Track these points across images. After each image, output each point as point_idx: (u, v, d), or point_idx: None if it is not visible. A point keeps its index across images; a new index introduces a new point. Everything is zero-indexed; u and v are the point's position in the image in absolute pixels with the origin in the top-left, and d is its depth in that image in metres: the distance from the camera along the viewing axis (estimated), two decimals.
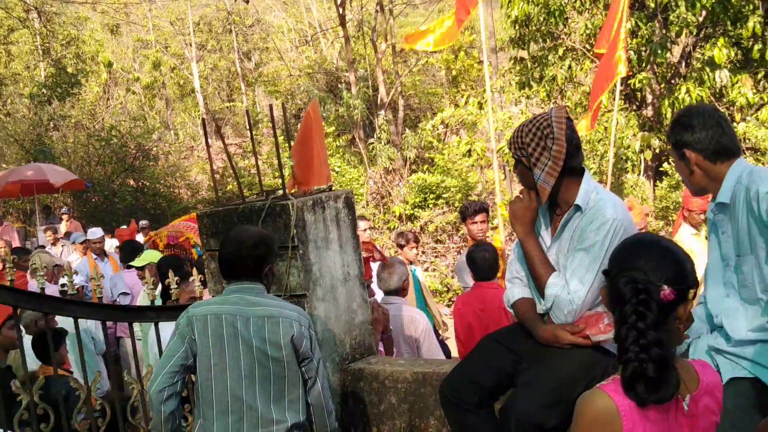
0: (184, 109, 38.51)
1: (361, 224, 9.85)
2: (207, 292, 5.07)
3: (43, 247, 13.71)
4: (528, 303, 3.68)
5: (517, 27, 16.27)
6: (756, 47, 13.67)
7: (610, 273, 2.39)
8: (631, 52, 13.85)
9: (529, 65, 16.75)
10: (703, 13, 14.10)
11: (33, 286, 7.56)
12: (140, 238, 13.61)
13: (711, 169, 3.44)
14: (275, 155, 4.91)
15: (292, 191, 4.80)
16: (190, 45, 36.35)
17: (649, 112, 15.57)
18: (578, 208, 3.47)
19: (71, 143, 25.86)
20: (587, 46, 16.09)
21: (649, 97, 15.54)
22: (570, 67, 15.98)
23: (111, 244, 13.71)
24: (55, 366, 4.46)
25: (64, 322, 5.59)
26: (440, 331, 7.88)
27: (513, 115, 16.95)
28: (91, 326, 7.53)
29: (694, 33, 14.94)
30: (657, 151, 15.35)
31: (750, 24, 13.25)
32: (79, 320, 4.43)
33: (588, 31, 15.72)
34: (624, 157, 15.33)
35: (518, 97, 17.23)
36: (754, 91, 14.09)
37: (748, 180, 3.29)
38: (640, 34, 14.38)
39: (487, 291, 6.19)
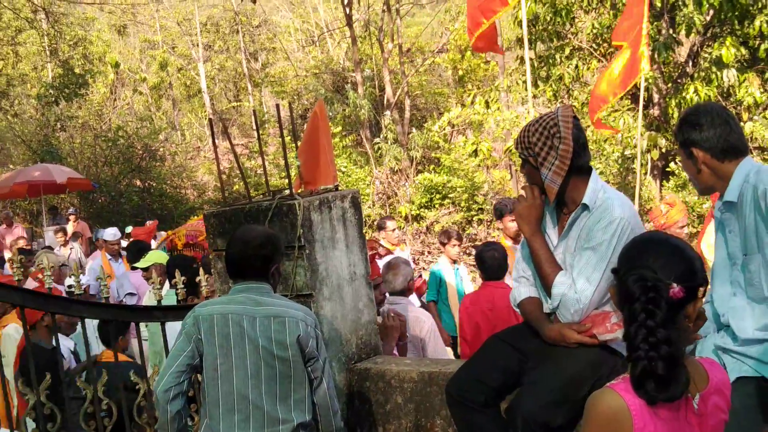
0: (190, 110, 38.55)
1: (389, 224, 9.92)
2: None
3: (50, 247, 13.73)
4: (535, 302, 3.68)
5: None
6: (762, 46, 13.62)
7: (619, 271, 2.38)
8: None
9: (535, 65, 16.73)
10: (711, 12, 14.07)
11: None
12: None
13: (719, 168, 3.43)
14: (282, 155, 4.91)
15: (299, 191, 4.81)
16: (197, 45, 36.42)
17: (655, 111, 15.53)
18: (585, 207, 3.46)
19: (78, 144, 25.91)
20: (594, 45, 16.07)
21: (656, 97, 15.49)
22: (577, 66, 15.95)
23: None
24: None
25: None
26: None
27: (520, 114, 16.92)
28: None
29: (702, 32, 14.90)
30: (663, 150, 15.31)
31: (757, 23, 13.21)
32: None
33: (595, 31, 15.69)
34: (631, 157, 15.30)
35: (525, 96, 17.19)
36: (762, 90, 14.04)
37: (755, 179, 3.28)
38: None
39: (496, 291, 6.19)
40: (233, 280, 3.84)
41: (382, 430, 4.57)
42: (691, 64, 15.56)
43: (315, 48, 33.97)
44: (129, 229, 15.88)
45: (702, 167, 3.46)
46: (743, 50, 13.92)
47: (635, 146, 14.70)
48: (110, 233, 11.47)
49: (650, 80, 14.44)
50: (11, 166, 25.54)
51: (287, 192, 4.72)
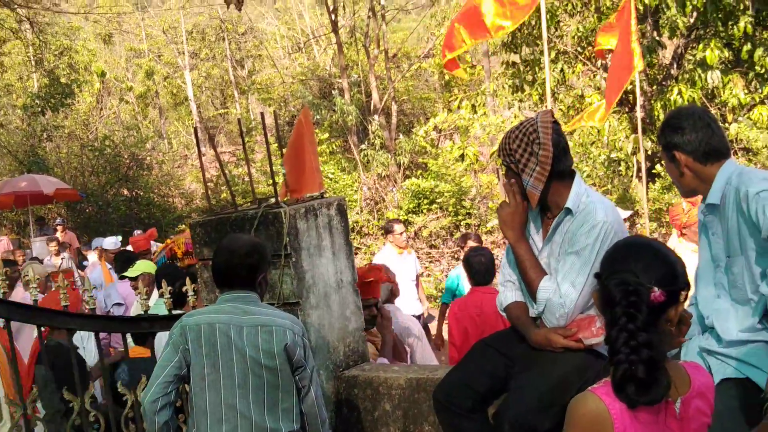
0: (177, 118, 38.51)
1: (397, 227, 9.98)
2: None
3: (37, 258, 13.67)
4: (520, 307, 3.69)
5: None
6: (745, 48, 13.69)
7: (602, 275, 2.40)
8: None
9: (521, 69, 16.76)
10: (694, 14, 14.12)
11: (27, 297, 7.55)
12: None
13: (701, 171, 3.45)
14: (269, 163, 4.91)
15: (285, 199, 4.81)
16: (183, 53, 36.36)
17: (641, 113, 15.57)
18: (569, 211, 3.48)
19: (65, 154, 25.84)
20: (579, 49, 16.11)
21: (641, 99, 15.55)
22: (562, 70, 15.99)
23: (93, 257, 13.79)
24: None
25: None
26: None
27: (506, 119, 16.96)
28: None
29: (685, 34, 14.96)
30: (649, 152, 15.36)
31: (741, 24, 13.26)
32: None
33: (579, 34, 15.73)
34: (617, 159, 15.34)
35: (511, 101, 17.23)
36: (746, 91, 14.09)
37: (737, 181, 3.30)
38: None
39: (484, 296, 6.20)
40: (220, 290, 3.84)
41: None
42: (675, 66, 15.61)
43: (301, 55, 33.95)
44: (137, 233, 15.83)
45: (685, 170, 3.48)
46: (727, 52, 13.96)
47: (621, 149, 14.77)
48: (110, 242, 11.46)
49: (635, 83, 14.51)
50: None
51: (273, 200, 4.72)
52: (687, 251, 7.16)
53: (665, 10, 13.68)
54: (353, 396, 4.61)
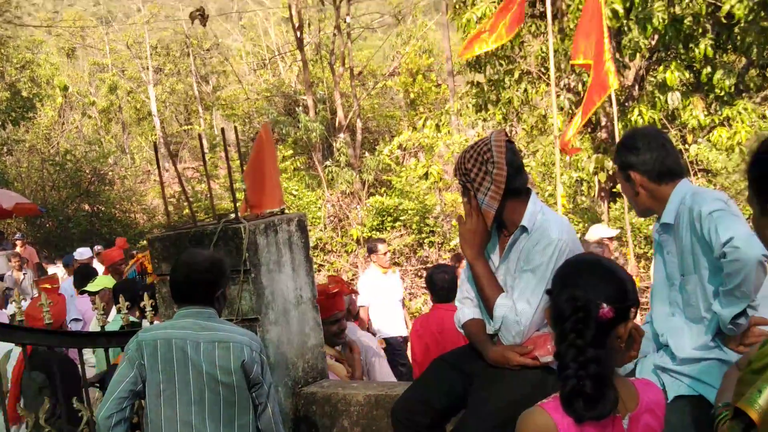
0: (140, 133, 38.25)
1: (381, 247, 9.97)
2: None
3: None
4: (478, 324, 3.70)
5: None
6: (705, 71, 13.90)
7: (552, 292, 2.42)
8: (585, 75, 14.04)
9: (485, 88, 16.87)
10: (655, 36, 14.32)
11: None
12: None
13: (656, 191, 3.50)
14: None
15: (245, 215, 4.79)
16: (147, 68, 36.17)
17: (603, 134, 15.74)
18: (524, 229, 3.50)
19: (25, 168, 25.59)
20: (542, 69, 16.25)
21: (603, 120, 15.71)
22: (526, 90, 16.12)
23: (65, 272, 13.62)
24: None
25: None
26: None
27: (470, 138, 17.05)
28: None
29: (647, 56, 15.16)
30: (611, 172, 15.51)
31: (701, 47, 13.47)
32: None
33: (543, 54, 15.87)
34: (580, 180, 15.47)
35: (475, 120, 17.32)
36: (706, 113, 14.30)
37: (691, 201, 3.35)
38: None
39: (446, 313, 6.20)
40: (178, 305, 3.82)
41: None
42: (637, 87, 15.81)
43: (266, 71, 33.95)
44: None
45: (640, 190, 3.53)
46: (687, 74, 14.18)
47: (583, 168, 14.89)
48: (80, 252, 11.39)
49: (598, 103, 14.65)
50: None
51: (233, 216, 4.70)
52: None
53: (627, 32, 13.86)
54: (312, 413, 4.59)
